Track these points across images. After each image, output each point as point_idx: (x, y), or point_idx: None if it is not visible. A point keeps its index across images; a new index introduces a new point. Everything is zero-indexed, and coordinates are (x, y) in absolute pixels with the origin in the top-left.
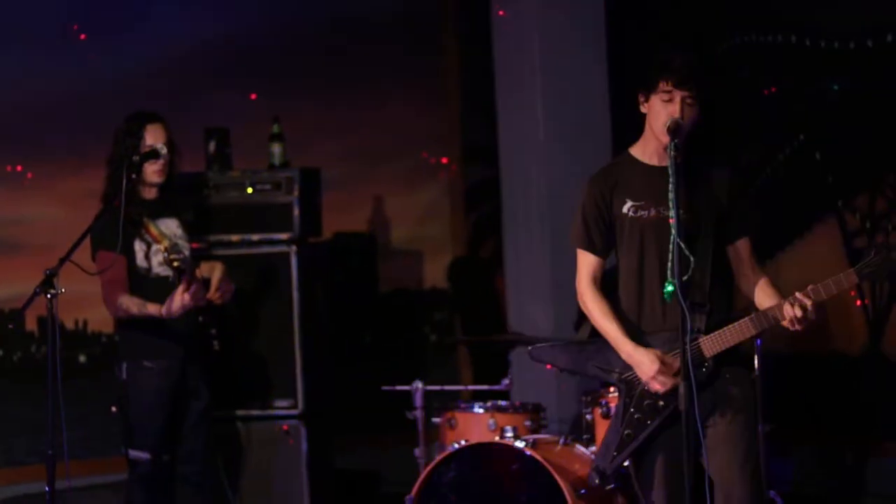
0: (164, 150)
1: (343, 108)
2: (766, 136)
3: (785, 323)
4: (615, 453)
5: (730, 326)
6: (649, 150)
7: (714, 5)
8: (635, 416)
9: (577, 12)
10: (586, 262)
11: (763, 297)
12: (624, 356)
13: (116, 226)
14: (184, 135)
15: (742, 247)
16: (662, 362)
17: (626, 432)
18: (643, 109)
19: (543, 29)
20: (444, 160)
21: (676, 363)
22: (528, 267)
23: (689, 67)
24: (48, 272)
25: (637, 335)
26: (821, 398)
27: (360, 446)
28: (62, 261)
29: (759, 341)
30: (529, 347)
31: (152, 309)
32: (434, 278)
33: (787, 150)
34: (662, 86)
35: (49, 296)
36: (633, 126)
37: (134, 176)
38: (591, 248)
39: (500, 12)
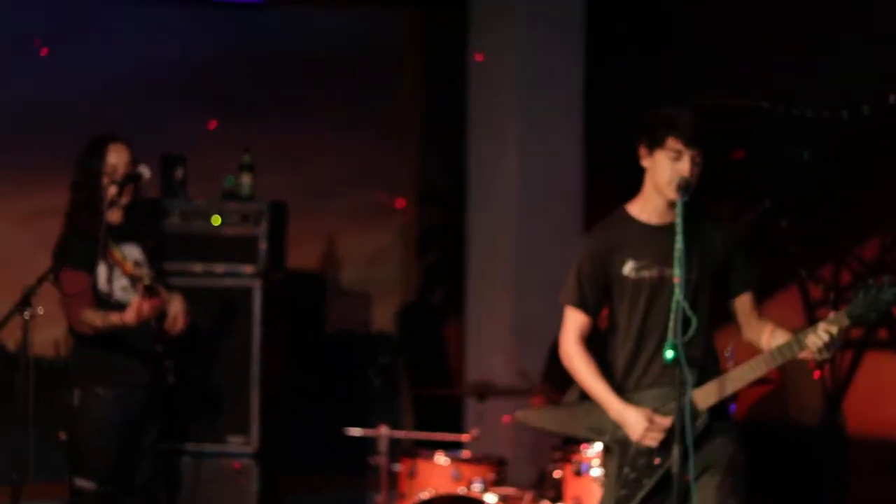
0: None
1: (301, 141)
2: (731, 200)
3: (806, 354)
4: None
5: (731, 372)
6: (648, 207)
7: (687, 65)
8: (630, 476)
9: (554, 64)
10: (575, 321)
11: (780, 337)
12: (613, 415)
13: (83, 245)
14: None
15: (746, 300)
16: (651, 420)
17: (621, 493)
18: (644, 164)
19: (521, 74)
20: (401, 203)
21: (667, 421)
22: (490, 315)
23: (700, 127)
24: (27, 290)
25: (624, 392)
26: (776, 468)
27: (313, 488)
28: (41, 280)
29: (733, 406)
30: (516, 413)
31: (115, 318)
32: (381, 321)
33: (751, 216)
34: (671, 143)
35: (27, 315)
36: (608, 176)
37: (116, 199)
38: (582, 308)
39: (478, 57)
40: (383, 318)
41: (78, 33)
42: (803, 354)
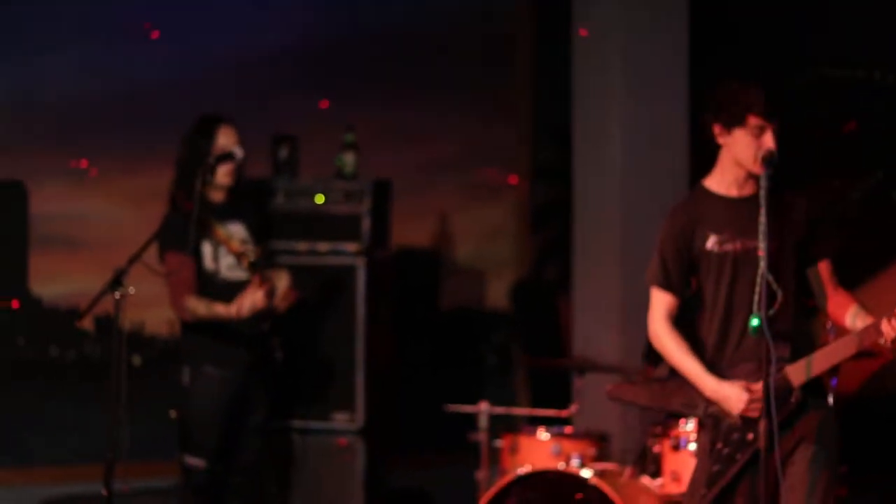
0: (239, 153)
1: (412, 119)
2: (843, 173)
3: (882, 340)
4: (705, 490)
5: (824, 348)
6: (727, 181)
7: (794, 38)
8: (724, 452)
9: (659, 37)
10: (662, 301)
11: (856, 315)
12: (708, 392)
13: (186, 227)
14: (249, 140)
15: (823, 269)
16: (749, 390)
17: (715, 468)
18: (720, 141)
19: (625, 52)
20: (513, 179)
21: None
22: (597, 292)
23: (779, 100)
24: (118, 271)
25: (718, 368)
26: (884, 444)
27: (418, 466)
28: (132, 260)
29: (834, 380)
30: (608, 387)
31: (220, 309)
32: (496, 299)
33: (863, 188)
34: (752, 119)
35: (118, 295)
36: (712, 157)
37: (208, 178)
38: (667, 287)
39: (582, 32)
40: (498, 295)
41: (188, 15)
42: (882, 340)
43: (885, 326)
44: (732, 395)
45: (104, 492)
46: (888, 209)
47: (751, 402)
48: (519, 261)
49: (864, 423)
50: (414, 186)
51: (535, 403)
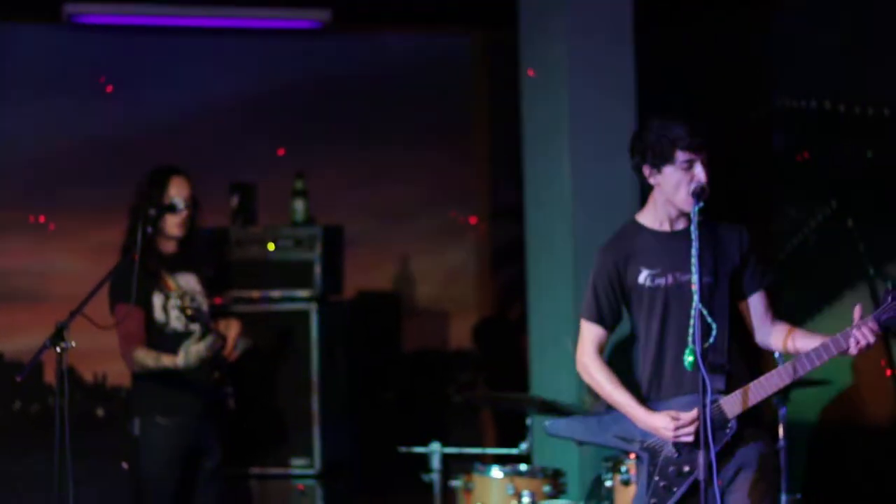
0: (181, 205)
1: (371, 164)
2: (797, 202)
3: (857, 348)
4: None
5: (759, 379)
6: (659, 217)
7: (748, 71)
8: (661, 485)
9: (607, 73)
10: (591, 334)
11: (800, 339)
12: (640, 424)
13: (137, 277)
14: (212, 190)
15: (759, 301)
16: (676, 418)
17: (652, 501)
18: (652, 182)
19: (572, 90)
20: (473, 220)
21: (694, 413)
22: (552, 331)
23: (701, 131)
24: (59, 325)
25: (653, 402)
26: (845, 471)
27: None
28: (73, 313)
29: (783, 409)
30: (546, 423)
31: (167, 360)
32: (459, 339)
33: (818, 217)
34: (681, 155)
35: (59, 349)
36: None
37: (150, 229)
38: (598, 321)
39: (530, 72)
40: (461, 335)
41: (140, 69)
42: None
43: (857, 333)
44: (660, 425)
45: None
46: (843, 236)
47: (678, 428)
48: (481, 300)
49: (822, 450)
50: (374, 231)
51: (501, 442)
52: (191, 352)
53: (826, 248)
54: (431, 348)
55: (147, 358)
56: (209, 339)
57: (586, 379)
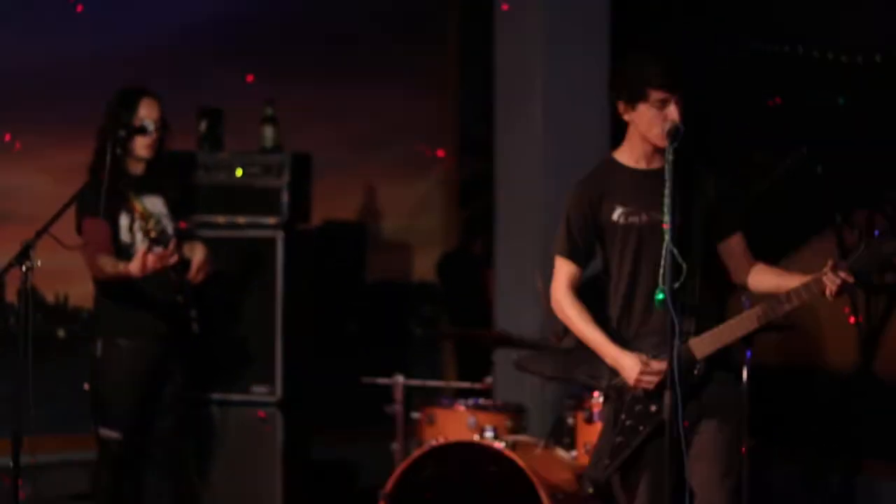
0: (151, 127)
1: (340, 94)
2: (767, 147)
3: (829, 293)
4: (608, 461)
5: (729, 322)
6: (636, 154)
7: (721, 13)
8: (627, 423)
9: (581, 12)
10: (565, 271)
11: (779, 278)
12: (609, 360)
13: (103, 195)
14: (179, 113)
15: (735, 242)
16: (645, 363)
17: (618, 440)
18: (626, 118)
19: (546, 25)
20: (440, 153)
21: (662, 364)
22: (519, 267)
23: (678, 70)
24: (25, 244)
25: (622, 340)
26: (808, 415)
27: (339, 438)
28: (39, 233)
29: (748, 352)
30: (515, 357)
31: (122, 267)
32: (423, 272)
33: (788, 163)
34: (654, 94)
35: (24, 268)
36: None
37: (119, 151)
38: (571, 257)
39: (504, 6)
40: (425, 268)
41: None
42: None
43: (827, 279)
44: (627, 366)
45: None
46: (813, 183)
47: (644, 374)
48: (446, 235)
49: (783, 395)
50: (341, 161)
51: (462, 376)
52: (149, 259)
53: (794, 194)
54: (395, 280)
55: (107, 263)
56: (157, 251)
57: (559, 315)
